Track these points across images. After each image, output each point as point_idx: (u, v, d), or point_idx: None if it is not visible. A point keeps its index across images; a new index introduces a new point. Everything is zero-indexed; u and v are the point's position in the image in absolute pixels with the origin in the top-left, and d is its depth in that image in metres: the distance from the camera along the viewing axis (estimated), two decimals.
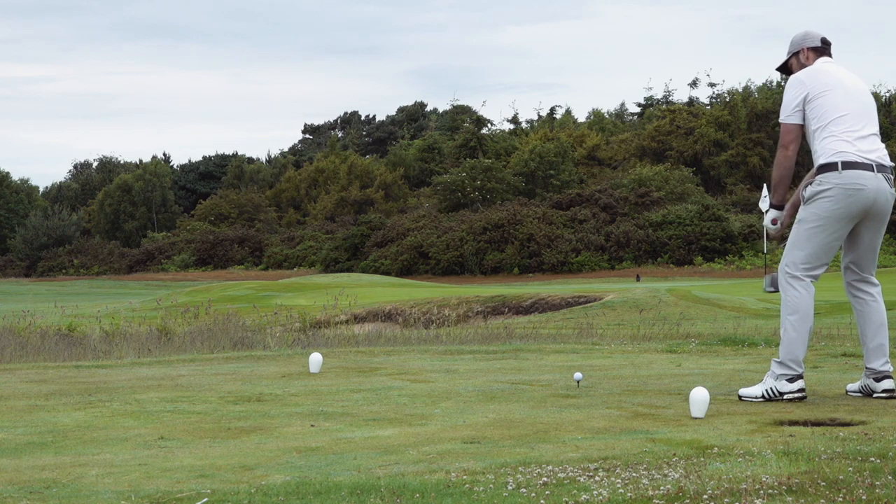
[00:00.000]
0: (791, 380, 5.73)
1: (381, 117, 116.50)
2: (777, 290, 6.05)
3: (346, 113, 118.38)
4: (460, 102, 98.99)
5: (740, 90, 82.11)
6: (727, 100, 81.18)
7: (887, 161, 5.88)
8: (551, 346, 9.77)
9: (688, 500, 3.45)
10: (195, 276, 75.75)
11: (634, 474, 3.83)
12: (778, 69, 6.39)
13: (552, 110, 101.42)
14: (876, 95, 76.18)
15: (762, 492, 3.51)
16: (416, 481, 3.80)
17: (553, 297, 30.17)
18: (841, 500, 3.42)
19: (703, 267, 60.54)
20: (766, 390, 5.76)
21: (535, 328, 17.51)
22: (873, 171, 5.77)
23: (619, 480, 3.75)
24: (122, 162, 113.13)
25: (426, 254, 66.17)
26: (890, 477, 3.67)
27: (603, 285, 41.89)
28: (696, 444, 4.47)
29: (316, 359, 7.74)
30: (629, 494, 3.54)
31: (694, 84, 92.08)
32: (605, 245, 63.79)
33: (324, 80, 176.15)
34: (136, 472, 4.19)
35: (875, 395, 5.86)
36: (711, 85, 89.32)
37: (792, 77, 6.02)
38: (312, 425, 5.31)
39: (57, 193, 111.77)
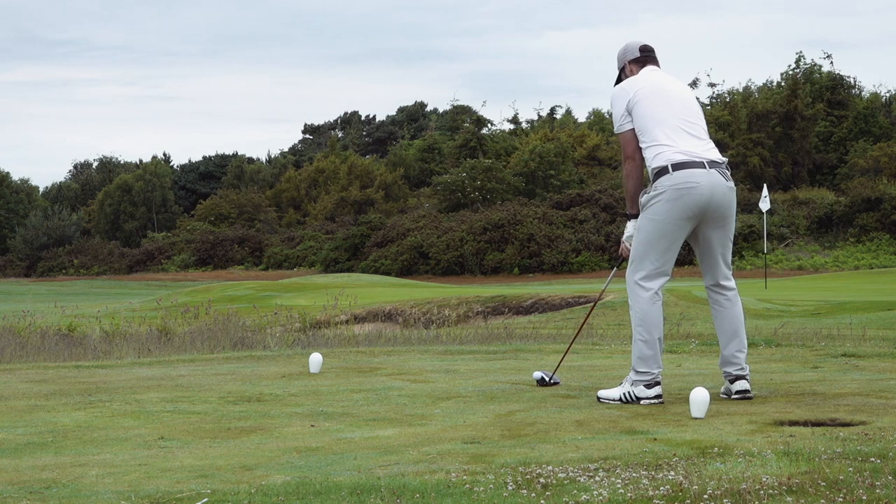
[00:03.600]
0: (649, 385, 5.77)
1: (381, 117, 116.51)
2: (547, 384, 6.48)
3: (346, 113, 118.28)
4: (460, 102, 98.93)
5: (740, 90, 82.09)
6: (727, 100, 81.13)
7: (719, 157, 5.89)
8: (551, 346, 9.78)
9: (688, 500, 3.45)
10: (195, 276, 75.70)
11: (634, 474, 3.83)
12: (614, 86, 6.29)
13: (552, 110, 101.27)
14: (876, 95, 76.15)
15: (762, 492, 3.51)
16: (416, 481, 3.80)
17: (553, 297, 30.12)
18: (841, 500, 3.42)
19: None
20: (624, 394, 5.80)
21: (535, 328, 17.48)
22: (705, 167, 5.77)
23: (619, 480, 3.75)
24: (122, 162, 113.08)
25: (426, 254, 66.13)
26: (890, 477, 3.67)
27: (603, 285, 41.84)
28: (696, 444, 4.47)
29: (316, 359, 7.74)
30: (629, 494, 3.54)
31: (694, 84, 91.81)
32: (606, 245, 63.79)
33: (324, 81, 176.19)
34: (136, 472, 4.19)
35: (732, 396, 5.94)
36: (711, 85, 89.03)
37: (615, 88, 6.02)
38: (312, 425, 5.31)
39: (57, 193, 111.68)
